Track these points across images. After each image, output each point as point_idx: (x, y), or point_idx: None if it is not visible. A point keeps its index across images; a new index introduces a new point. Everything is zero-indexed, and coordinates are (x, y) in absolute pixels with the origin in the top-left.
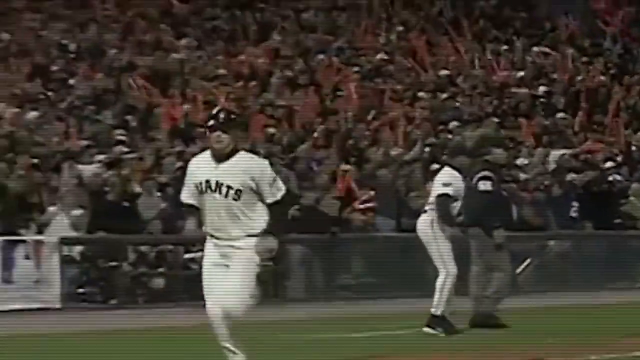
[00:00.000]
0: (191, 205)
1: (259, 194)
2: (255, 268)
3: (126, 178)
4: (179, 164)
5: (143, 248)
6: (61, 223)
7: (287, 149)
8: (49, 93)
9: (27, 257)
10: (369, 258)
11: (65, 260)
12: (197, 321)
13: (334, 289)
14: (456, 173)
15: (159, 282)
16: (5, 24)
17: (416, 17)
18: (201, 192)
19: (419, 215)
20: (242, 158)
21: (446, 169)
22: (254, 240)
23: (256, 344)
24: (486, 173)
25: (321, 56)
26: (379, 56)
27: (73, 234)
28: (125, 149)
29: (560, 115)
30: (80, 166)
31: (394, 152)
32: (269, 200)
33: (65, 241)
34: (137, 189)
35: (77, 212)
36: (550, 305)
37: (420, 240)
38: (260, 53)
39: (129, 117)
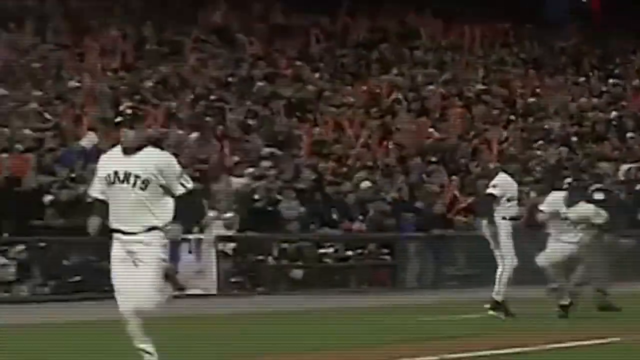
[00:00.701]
0: (100, 200)
1: (165, 188)
2: (161, 263)
3: (270, 187)
4: (314, 176)
5: (284, 244)
6: (217, 224)
7: (401, 163)
8: (208, 118)
9: (190, 252)
10: (471, 253)
11: (221, 255)
12: (331, 305)
13: (442, 279)
14: (508, 177)
15: (297, 273)
16: (174, 62)
17: (508, 54)
18: (110, 184)
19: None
20: (151, 152)
21: (500, 174)
22: (159, 234)
23: (377, 326)
24: (598, 185)
25: (430, 87)
26: (478, 86)
27: (227, 233)
28: (270, 164)
29: (629, 135)
30: (233, 178)
31: (491, 166)
32: (177, 193)
33: (220, 239)
34: (279, 196)
35: (230, 215)
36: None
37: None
38: (381, 85)
39: (273, 138)
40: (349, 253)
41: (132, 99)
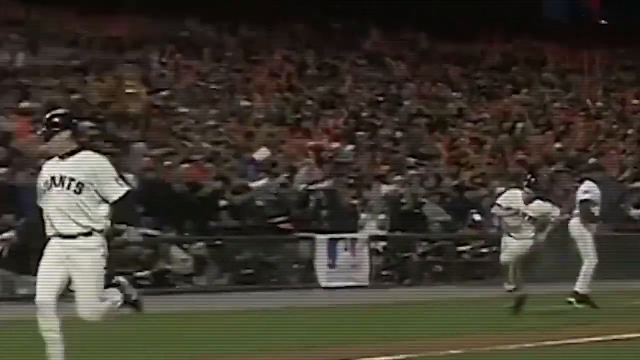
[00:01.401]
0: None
1: (100, 192)
2: (101, 268)
3: (415, 193)
4: (455, 182)
5: (427, 243)
6: (371, 225)
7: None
8: (361, 132)
9: (345, 249)
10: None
11: (373, 252)
12: (468, 296)
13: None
14: (593, 184)
15: (439, 268)
16: (332, 83)
17: (626, 74)
18: (48, 189)
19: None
20: (86, 156)
21: (587, 182)
22: (98, 240)
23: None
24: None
25: (556, 104)
26: (598, 103)
27: (379, 233)
28: (414, 172)
29: None
30: (383, 185)
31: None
32: (113, 197)
33: (373, 238)
34: (423, 199)
35: (382, 217)
36: None
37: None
38: (512, 103)
39: (418, 150)
40: (484, 250)
41: (295, 116)
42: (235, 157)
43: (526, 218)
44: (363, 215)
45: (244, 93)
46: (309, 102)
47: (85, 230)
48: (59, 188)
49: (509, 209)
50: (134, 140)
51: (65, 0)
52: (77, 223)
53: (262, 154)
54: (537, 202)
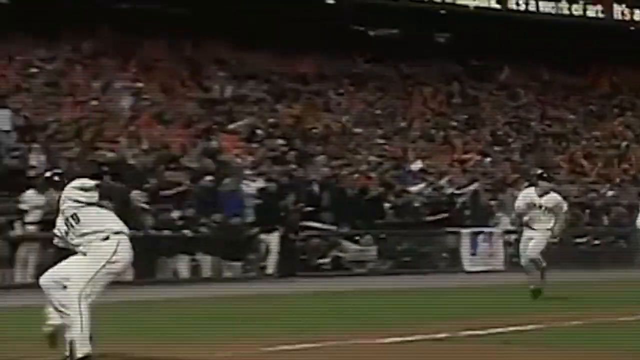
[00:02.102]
0: None
1: None
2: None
3: None
4: (572, 187)
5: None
6: (505, 222)
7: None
8: (496, 147)
9: (484, 241)
10: None
11: (506, 243)
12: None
13: None
14: None
15: (559, 256)
16: (474, 108)
17: None
18: None
19: None
20: None
21: None
22: None
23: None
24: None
25: None
26: None
27: (511, 228)
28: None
29: None
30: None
31: None
32: None
33: (506, 232)
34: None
35: (513, 215)
36: None
37: None
38: (619, 125)
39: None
40: (597, 242)
41: (444, 134)
42: (395, 167)
43: (543, 209)
44: (498, 214)
45: (403, 117)
46: (455, 123)
47: None
48: None
49: (527, 204)
50: (317, 154)
51: (262, 43)
52: None
53: (417, 165)
54: (550, 194)
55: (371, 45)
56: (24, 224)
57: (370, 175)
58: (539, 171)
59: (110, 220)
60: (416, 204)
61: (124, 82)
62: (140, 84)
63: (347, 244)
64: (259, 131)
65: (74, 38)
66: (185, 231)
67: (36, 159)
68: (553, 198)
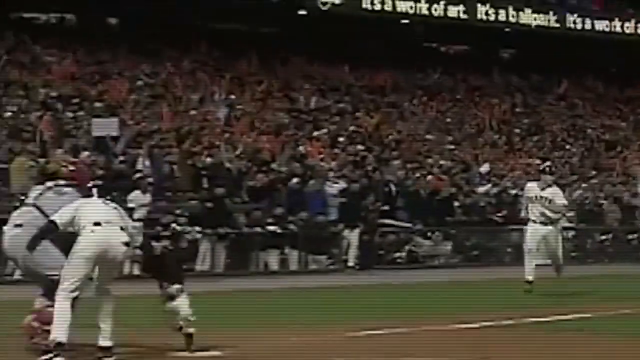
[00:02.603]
0: None
1: None
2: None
3: (596, 196)
4: (625, 188)
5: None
6: (562, 220)
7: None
8: (556, 153)
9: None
10: None
11: (565, 239)
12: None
13: None
14: None
15: (613, 251)
16: (535, 116)
17: None
18: None
19: None
20: None
21: None
22: None
23: None
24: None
25: None
26: None
27: (569, 225)
28: (595, 181)
29: None
30: (573, 190)
31: None
32: None
33: (565, 228)
34: (602, 201)
35: (571, 213)
36: None
37: None
38: None
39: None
40: None
41: (508, 141)
42: (464, 170)
43: (546, 202)
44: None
45: (471, 125)
46: (518, 131)
47: None
48: None
49: (530, 197)
50: (393, 158)
51: (344, 59)
52: None
53: (485, 168)
54: (552, 187)
55: (442, 60)
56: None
57: (441, 177)
58: (542, 166)
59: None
60: (482, 204)
61: (219, 94)
62: (234, 96)
63: (420, 239)
64: (341, 138)
65: (175, 55)
66: (275, 228)
67: (142, 164)
68: (555, 191)
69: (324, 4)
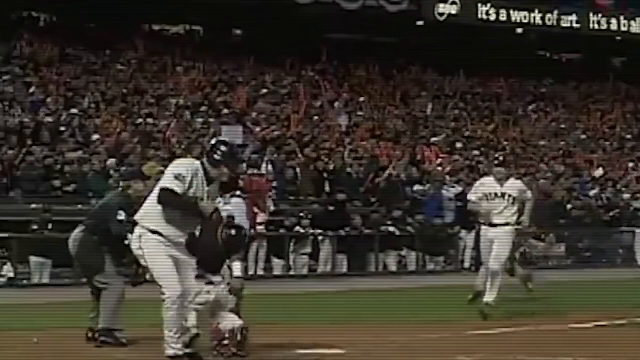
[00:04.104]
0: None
1: None
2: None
3: None
4: None
5: None
6: None
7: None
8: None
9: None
10: None
11: None
12: None
13: None
14: None
15: None
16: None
17: None
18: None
19: None
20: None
21: None
22: None
23: None
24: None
25: None
26: None
27: None
28: None
29: None
30: None
31: None
32: None
33: None
34: None
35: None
36: None
37: None
38: None
39: None
40: None
41: (620, 146)
42: (577, 175)
43: (507, 199)
44: None
45: (583, 131)
46: (629, 137)
47: None
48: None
49: (485, 195)
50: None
51: (460, 68)
52: None
53: (598, 172)
54: (511, 180)
55: (555, 68)
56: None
57: (555, 182)
58: (497, 154)
59: None
60: (594, 207)
61: (340, 102)
62: (354, 104)
63: (533, 241)
64: (457, 144)
65: (298, 64)
66: (394, 230)
67: (265, 169)
68: (516, 185)
69: (441, 14)
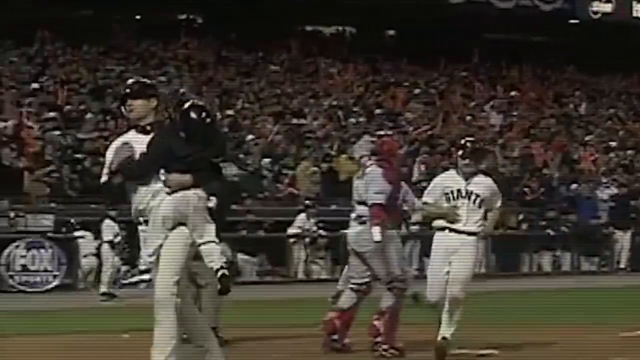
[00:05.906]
0: None
1: None
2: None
3: None
4: None
5: None
6: None
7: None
8: None
9: None
10: None
11: None
12: None
13: None
14: None
15: None
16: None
17: None
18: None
19: None
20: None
21: None
22: None
23: None
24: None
25: None
26: None
27: None
28: None
29: None
30: None
31: None
32: None
33: None
34: None
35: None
36: None
37: None
38: None
39: None
40: None
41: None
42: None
43: (473, 199)
44: None
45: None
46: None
47: None
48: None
49: (446, 194)
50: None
51: (613, 67)
52: None
53: None
54: (479, 177)
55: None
56: (408, 224)
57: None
58: (464, 141)
59: None
60: None
61: (493, 102)
62: (507, 104)
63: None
64: (612, 143)
65: (451, 65)
66: (548, 230)
67: (417, 171)
68: (485, 182)
69: (595, 12)
